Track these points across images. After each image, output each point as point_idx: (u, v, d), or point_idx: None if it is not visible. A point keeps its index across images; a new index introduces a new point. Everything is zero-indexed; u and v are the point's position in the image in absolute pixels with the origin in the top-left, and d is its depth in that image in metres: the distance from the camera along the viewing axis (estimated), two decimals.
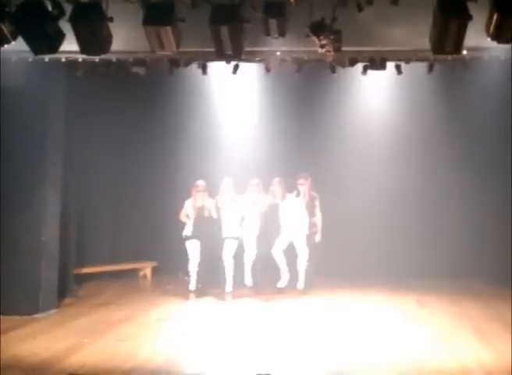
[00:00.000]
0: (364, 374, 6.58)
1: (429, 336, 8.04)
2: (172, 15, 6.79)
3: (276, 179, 10.67)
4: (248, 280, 10.52)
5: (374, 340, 7.88)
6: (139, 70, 8.51)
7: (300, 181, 10.69)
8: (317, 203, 10.83)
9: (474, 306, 9.71)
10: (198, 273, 10.44)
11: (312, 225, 10.72)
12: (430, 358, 7.10)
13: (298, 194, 10.71)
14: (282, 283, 10.71)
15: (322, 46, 6.96)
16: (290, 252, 10.74)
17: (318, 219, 10.83)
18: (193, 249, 10.42)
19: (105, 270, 11.80)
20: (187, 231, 10.46)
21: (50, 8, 6.87)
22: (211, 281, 10.62)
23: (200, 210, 10.42)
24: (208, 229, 10.41)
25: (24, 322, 8.60)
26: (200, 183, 10.46)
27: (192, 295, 10.41)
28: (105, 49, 7.13)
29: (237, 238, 10.45)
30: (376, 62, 8.16)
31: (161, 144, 12.07)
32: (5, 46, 7.15)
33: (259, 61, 8.61)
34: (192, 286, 10.44)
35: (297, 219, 10.59)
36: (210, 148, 11.84)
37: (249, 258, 10.51)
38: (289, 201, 10.68)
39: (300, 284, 10.65)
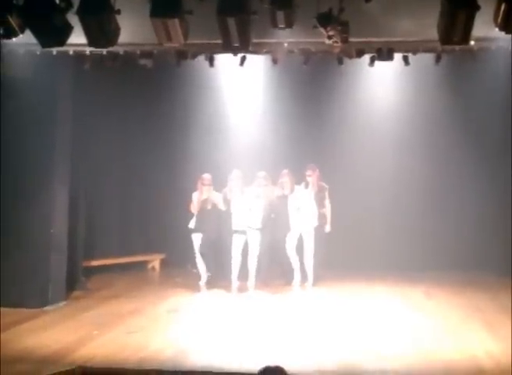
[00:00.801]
0: (372, 365, 6.60)
1: (436, 327, 8.06)
2: (180, 7, 6.77)
3: (285, 171, 10.63)
4: (251, 282, 10.48)
5: (381, 331, 7.91)
6: (146, 62, 8.51)
7: (308, 173, 10.68)
8: (326, 194, 10.84)
9: (482, 298, 9.70)
10: (206, 266, 10.47)
11: (321, 216, 10.73)
12: (437, 349, 7.13)
13: (307, 186, 10.70)
14: (295, 283, 10.69)
15: (329, 37, 6.93)
16: (298, 245, 10.74)
17: (328, 209, 10.83)
18: (198, 242, 10.47)
19: (114, 263, 11.83)
20: (192, 224, 10.50)
21: (58, 1, 6.86)
22: (219, 274, 10.65)
23: (204, 203, 10.43)
24: (211, 222, 10.43)
25: (34, 314, 8.65)
26: (206, 176, 10.46)
27: (201, 288, 10.43)
28: (113, 42, 7.13)
29: (245, 232, 10.45)
30: (383, 53, 8.13)
31: (169, 137, 12.05)
32: (13, 39, 7.15)
33: (266, 53, 8.59)
34: (202, 280, 10.48)
35: (306, 211, 10.58)
36: (218, 140, 11.80)
37: (253, 254, 10.47)
38: (298, 193, 10.66)
39: (310, 284, 10.66)
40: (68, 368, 6.36)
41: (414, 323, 8.29)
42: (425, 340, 7.48)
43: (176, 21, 6.81)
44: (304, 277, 10.64)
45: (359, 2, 6.95)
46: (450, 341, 7.41)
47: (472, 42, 7.14)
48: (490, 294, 9.87)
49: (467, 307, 9.16)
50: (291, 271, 10.65)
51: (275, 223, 10.56)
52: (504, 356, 6.81)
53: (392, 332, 7.86)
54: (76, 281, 10.26)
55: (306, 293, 10.38)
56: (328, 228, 10.82)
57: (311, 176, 10.70)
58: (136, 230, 12.58)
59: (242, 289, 10.34)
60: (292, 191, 10.64)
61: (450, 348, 7.16)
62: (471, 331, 7.86)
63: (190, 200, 10.53)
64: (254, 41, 7.30)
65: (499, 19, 6.57)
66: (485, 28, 6.81)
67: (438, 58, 8.44)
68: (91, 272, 11.20)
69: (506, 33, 6.68)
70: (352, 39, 7.17)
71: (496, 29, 6.71)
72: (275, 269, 11.02)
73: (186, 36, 7.09)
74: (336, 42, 7.03)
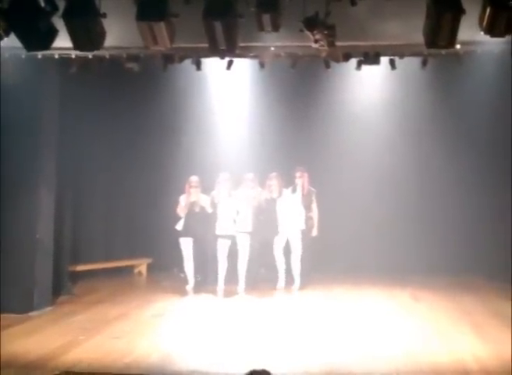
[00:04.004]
0: (360, 368, 6.59)
1: (425, 330, 8.06)
2: (166, 10, 6.75)
3: (273, 174, 10.66)
4: (241, 286, 10.45)
5: (369, 334, 7.90)
6: (133, 66, 8.48)
7: (298, 173, 10.71)
8: (314, 197, 10.87)
9: (471, 301, 9.72)
10: (193, 270, 10.44)
11: (309, 219, 10.75)
12: (425, 351, 7.12)
13: (294, 190, 10.73)
14: (280, 285, 10.70)
15: (316, 41, 6.94)
16: (285, 248, 10.74)
17: (315, 213, 10.87)
18: (186, 245, 10.43)
19: (100, 267, 11.78)
20: (179, 226, 10.47)
21: (43, 5, 6.83)
22: (206, 278, 10.62)
23: (192, 206, 10.40)
24: (199, 225, 10.39)
25: (19, 320, 8.58)
26: (194, 179, 10.44)
27: (188, 292, 10.40)
28: (99, 45, 7.09)
29: (231, 236, 10.43)
30: (370, 57, 8.15)
31: (156, 140, 12.03)
32: None
33: (253, 56, 8.59)
34: (189, 284, 10.44)
35: (294, 215, 10.62)
36: (206, 143, 11.81)
37: (243, 258, 10.45)
38: (286, 196, 10.69)
39: (296, 286, 10.67)
40: (53, 373, 6.29)
41: (402, 326, 8.29)
42: (413, 343, 7.47)
43: (162, 24, 6.79)
44: (291, 280, 10.63)
45: (345, 6, 6.97)
46: (438, 344, 7.41)
47: (458, 46, 7.17)
48: (478, 297, 9.90)
49: (455, 310, 9.16)
50: (277, 274, 10.65)
51: (263, 227, 10.55)
52: (491, 360, 6.82)
53: (380, 335, 7.85)
54: (61, 286, 10.20)
55: (293, 296, 10.36)
56: (315, 232, 10.84)
57: (300, 177, 10.71)
58: (122, 234, 12.54)
59: (229, 293, 10.31)
60: (280, 194, 10.66)
61: (438, 350, 7.16)
62: (459, 334, 7.86)
63: (175, 204, 10.50)
64: (241, 44, 7.29)
65: (485, 23, 6.59)
66: (470, 32, 6.83)
67: (424, 62, 8.47)
68: (77, 277, 11.14)
69: (492, 36, 6.70)
70: (339, 43, 7.17)
71: (482, 33, 6.74)
72: (263, 273, 11.02)
73: (172, 39, 7.07)
74: (323, 46, 7.03)
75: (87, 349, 7.28)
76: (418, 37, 6.95)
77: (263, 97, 11.75)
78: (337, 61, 8.37)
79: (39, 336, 7.87)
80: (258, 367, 4.08)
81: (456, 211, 11.95)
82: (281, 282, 10.68)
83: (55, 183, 9.55)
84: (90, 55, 8.00)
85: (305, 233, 10.71)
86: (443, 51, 7.66)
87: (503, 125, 10.73)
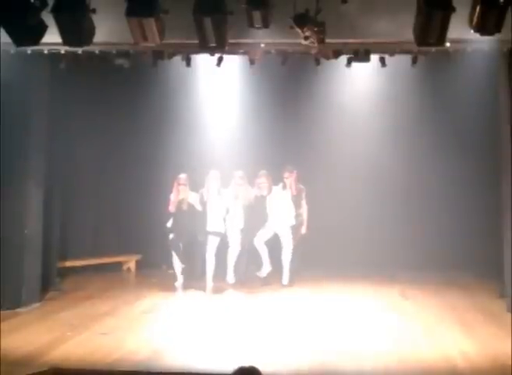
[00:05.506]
0: (349, 365, 6.59)
1: (413, 327, 8.07)
2: (156, 6, 6.76)
3: (263, 171, 10.66)
4: (230, 277, 10.51)
5: (358, 331, 7.91)
6: (122, 62, 8.47)
7: (286, 174, 10.70)
8: (303, 195, 10.87)
9: (459, 298, 9.73)
10: (181, 267, 10.44)
11: (298, 216, 10.76)
12: (413, 349, 7.14)
13: (284, 187, 10.72)
14: (263, 272, 10.72)
15: (306, 38, 6.96)
16: (275, 245, 10.76)
17: (304, 211, 10.87)
18: (174, 243, 10.42)
19: (89, 264, 11.75)
20: (169, 224, 10.46)
21: (32, 0, 6.81)
22: (194, 275, 10.62)
23: (180, 203, 10.40)
24: (187, 222, 10.38)
25: (7, 316, 8.55)
26: (182, 176, 10.43)
27: (177, 289, 10.40)
28: (88, 41, 7.10)
29: (221, 233, 10.44)
30: (360, 54, 8.17)
31: (146, 137, 11.96)
32: None
33: (243, 53, 8.59)
34: (177, 281, 10.45)
35: (284, 211, 10.62)
36: (195, 140, 11.78)
37: (233, 252, 10.50)
38: (276, 193, 10.69)
39: (285, 280, 10.67)
40: (41, 369, 6.29)
41: (390, 324, 8.30)
42: (402, 340, 7.48)
43: (152, 20, 6.80)
44: (279, 275, 10.64)
45: (336, 3, 6.99)
46: (426, 341, 7.43)
47: (448, 44, 7.20)
48: (467, 294, 9.91)
49: (443, 307, 9.18)
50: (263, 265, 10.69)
51: (254, 224, 10.56)
52: (479, 356, 6.85)
53: (369, 332, 7.86)
54: (50, 282, 10.15)
55: (283, 293, 10.36)
56: (304, 230, 10.85)
57: (289, 177, 10.71)
58: (111, 230, 12.48)
59: (218, 290, 10.31)
60: (269, 191, 10.66)
61: (426, 348, 7.17)
62: (447, 331, 7.88)
63: (164, 201, 10.50)
64: (231, 41, 7.31)
65: (475, 21, 6.64)
66: (460, 30, 6.87)
67: (414, 60, 8.50)
68: (66, 273, 11.11)
69: (482, 34, 6.75)
70: (329, 40, 7.20)
71: (472, 31, 6.77)
72: (252, 271, 11.02)
73: (162, 36, 7.07)
74: (313, 43, 7.05)
75: (76, 345, 7.26)
76: (408, 35, 6.98)
77: (253, 93, 11.72)
78: (327, 58, 8.39)
79: (27, 332, 7.84)
80: (247, 364, 4.08)
81: (444, 209, 11.96)
82: (264, 270, 10.68)
83: (43, 178, 9.49)
84: (79, 50, 7.97)
85: (295, 231, 10.72)
86: (433, 49, 7.72)
87: (492, 123, 10.73)
